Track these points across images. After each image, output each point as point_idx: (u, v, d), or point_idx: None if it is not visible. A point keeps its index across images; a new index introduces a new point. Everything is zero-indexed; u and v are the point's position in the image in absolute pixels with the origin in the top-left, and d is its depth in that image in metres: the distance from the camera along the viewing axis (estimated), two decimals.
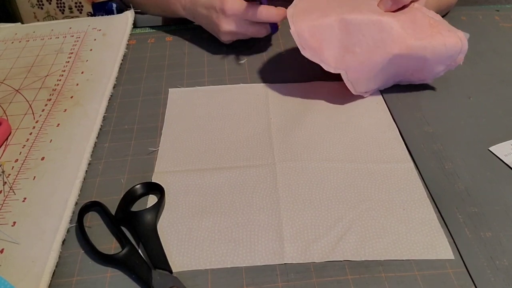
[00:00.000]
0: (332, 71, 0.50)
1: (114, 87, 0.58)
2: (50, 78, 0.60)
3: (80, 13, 1.54)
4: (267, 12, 0.58)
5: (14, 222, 0.42)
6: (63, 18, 1.55)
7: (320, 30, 0.50)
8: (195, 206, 0.43)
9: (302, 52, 0.50)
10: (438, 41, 0.49)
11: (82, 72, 0.60)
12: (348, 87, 0.52)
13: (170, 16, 0.70)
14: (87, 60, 0.62)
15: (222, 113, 0.54)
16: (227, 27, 0.59)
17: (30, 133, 0.51)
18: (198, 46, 0.66)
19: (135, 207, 0.44)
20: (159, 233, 0.41)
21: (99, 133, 0.52)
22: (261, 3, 0.58)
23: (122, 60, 0.63)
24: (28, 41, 0.68)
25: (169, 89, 0.58)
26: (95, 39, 0.66)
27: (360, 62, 0.50)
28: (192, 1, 0.62)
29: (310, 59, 0.50)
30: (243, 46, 0.64)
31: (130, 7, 0.71)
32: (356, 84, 0.52)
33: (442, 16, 0.70)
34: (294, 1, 0.53)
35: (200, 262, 0.39)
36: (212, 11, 0.59)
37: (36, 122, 0.53)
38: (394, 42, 0.49)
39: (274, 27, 0.62)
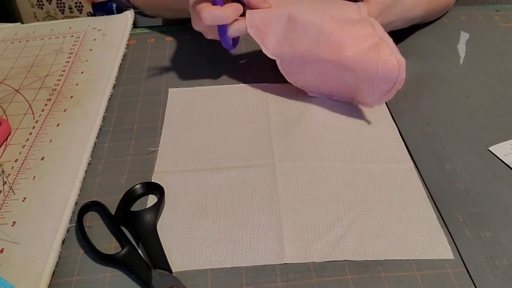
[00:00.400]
0: (268, 55, 0.53)
1: (114, 87, 0.58)
2: (50, 78, 0.60)
3: (80, 13, 1.54)
4: (209, 12, 0.48)
5: (14, 222, 0.42)
6: (63, 18, 1.55)
7: (271, 16, 0.52)
8: (195, 206, 0.43)
9: (248, 30, 0.52)
10: (372, 61, 0.47)
11: (82, 72, 0.60)
12: (283, 74, 0.53)
13: (181, 16, 0.69)
14: (87, 60, 0.62)
15: (222, 113, 0.54)
16: (194, 25, 0.53)
17: (30, 133, 0.51)
18: (198, 46, 0.66)
19: (135, 207, 0.44)
20: (159, 233, 0.41)
21: (99, 133, 0.52)
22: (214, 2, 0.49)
23: (122, 60, 0.63)
24: (28, 41, 0.68)
25: (169, 89, 0.58)
26: (95, 39, 0.66)
27: (294, 55, 0.52)
28: None
29: (253, 37, 0.52)
30: (243, 46, 0.64)
31: (136, 8, 0.71)
32: (290, 74, 0.54)
33: (440, 17, 0.70)
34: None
35: (200, 262, 0.39)
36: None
37: (36, 122, 0.53)
38: (329, 48, 0.49)
39: (223, 37, 0.52)
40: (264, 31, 0.52)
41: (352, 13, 0.52)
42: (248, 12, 0.52)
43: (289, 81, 0.54)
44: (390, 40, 0.48)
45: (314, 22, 0.50)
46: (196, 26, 0.54)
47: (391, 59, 0.47)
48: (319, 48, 0.50)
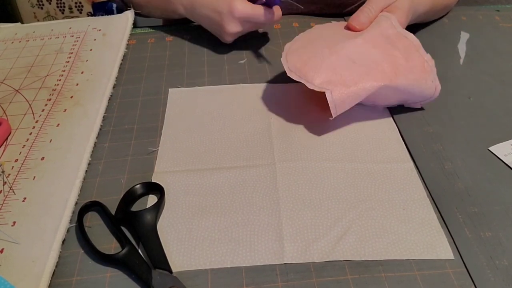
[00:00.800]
0: (316, 89, 0.48)
1: (114, 87, 0.58)
2: (50, 78, 0.60)
3: (80, 13, 1.54)
4: (279, 14, 0.60)
5: (14, 222, 0.42)
6: (63, 18, 1.55)
7: (309, 52, 0.51)
8: (195, 206, 0.43)
9: (289, 74, 0.50)
10: (419, 85, 0.50)
11: (82, 72, 0.60)
12: (330, 108, 0.47)
13: (170, 16, 0.69)
14: (87, 60, 0.62)
15: (222, 113, 0.54)
16: (234, 29, 0.60)
17: (30, 133, 0.51)
18: (198, 46, 0.66)
19: (135, 207, 0.44)
20: (159, 233, 0.41)
21: (99, 133, 0.52)
22: (274, 4, 0.58)
23: (122, 60, 0.63)
24: (28, 41, 0.68)
25: (169, 89, 0.58)
26: (95, 39, 0.66)
27: (346, 85, 0.48)
28: (193, 1, 0.62)
29: (296, 79, 0.49)
30: (243, 46, 0.64)
31: (130, 7, 0.71)
32: (339, 106, 0.48)
33: (441, 17, 0.70)
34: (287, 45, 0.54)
35: (200, 262, 0.39)
36: (217, 13, 0.59)
37: (36, 122, 0.53)
38: (381, 75, 0.48)
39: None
40: (304, 69, 0.49)
41: (387, 29, 0.52)
42: (283, 57, 0.52)
43: (334, 115, 0.48)
44: (432, 62, 0.51)
45: (360, 50, 0.50)
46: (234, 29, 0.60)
47: (432, 85, 0.51)
48: (371, 76, 0.48)
